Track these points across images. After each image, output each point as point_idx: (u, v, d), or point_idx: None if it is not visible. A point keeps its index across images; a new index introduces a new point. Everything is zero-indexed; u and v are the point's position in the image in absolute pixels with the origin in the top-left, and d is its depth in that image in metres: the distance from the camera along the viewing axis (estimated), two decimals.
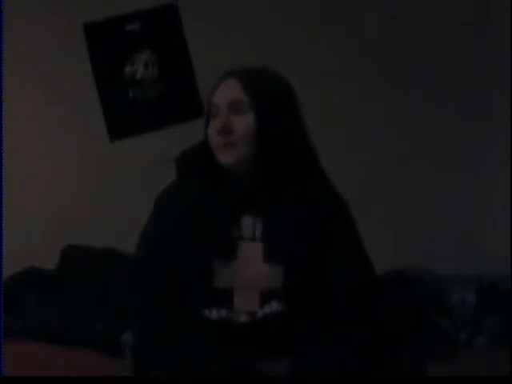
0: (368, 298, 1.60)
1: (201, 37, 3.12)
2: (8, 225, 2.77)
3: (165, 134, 3.12)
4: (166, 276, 1.63)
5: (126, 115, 3.15)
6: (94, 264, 2.84)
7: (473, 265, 2.83)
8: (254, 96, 1.62)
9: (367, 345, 1.54)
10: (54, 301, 2.71)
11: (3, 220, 2.75)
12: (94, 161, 3.12)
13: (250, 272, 1.58)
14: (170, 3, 3.13)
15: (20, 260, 2.78)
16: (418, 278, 2.79)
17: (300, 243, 1.60)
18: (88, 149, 3.12)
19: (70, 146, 3.11)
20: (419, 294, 2.71)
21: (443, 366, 2.22)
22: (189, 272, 1.61)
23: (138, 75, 3.15)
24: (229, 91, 1.64)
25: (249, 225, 1.62)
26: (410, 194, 3.09)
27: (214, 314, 1.58)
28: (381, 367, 1.54)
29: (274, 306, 1.56)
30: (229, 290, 1.58)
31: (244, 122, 1.61)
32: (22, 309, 2.66)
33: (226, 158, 1.61)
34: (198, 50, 3.13)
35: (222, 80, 1.68)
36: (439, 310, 2.67)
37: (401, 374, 1.57)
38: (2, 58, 3.00)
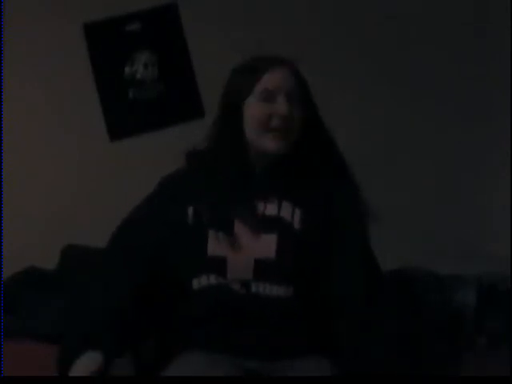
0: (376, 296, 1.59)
1: (201, 37, 3.12)
2: (8, 225, 2.77)
3: (165, 134, 3.12)
4: (149, 242, 1.67)
5: (125, 115, 3.15)
6: (94, 264, 2.84)
7: (473, 265, 2.83)
8: (304, 87, 1.70)
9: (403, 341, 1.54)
10: (53, 301, 2.71)
11: (3, 220, 2.75)
12: (94, 161, 3.12)
13: (245, 242, 1.60)
14: (170, 3, 3.13)
15: (20, 260, 2.78)
16: (418, 278, 2.78)
17: (303, 218, 1.61)
18: (88, 149, 3.12)
19: (70, 146, 3.11)
20: (419, 293, 2.71)
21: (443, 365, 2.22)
22: (181, 241, 1.63)
23: (138, 75, 3.15)
24: (286, 80, 1.67)
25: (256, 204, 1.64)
26: (409, 195, 3.09)
27: (204, 280, 1.58)
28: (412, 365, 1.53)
29: (268, 289, 1.55)
30: (222, 258, 1.59)
31: (300, 112, 1.66)
32: (21, 309, 2.66)
33: (272, 145, 1.63)
34: (198, 50, 3.13)
35: (272, 66, 1.69)
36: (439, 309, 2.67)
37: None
38: (2, 58, 3.00)
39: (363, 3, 3.17)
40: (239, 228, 1.61)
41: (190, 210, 1.66)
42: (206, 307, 1.57)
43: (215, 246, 1.60)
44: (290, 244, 1.59)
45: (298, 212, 1.62)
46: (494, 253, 2.91)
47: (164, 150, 3.10)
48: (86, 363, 1.52)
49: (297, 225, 1.61)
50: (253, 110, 1.66)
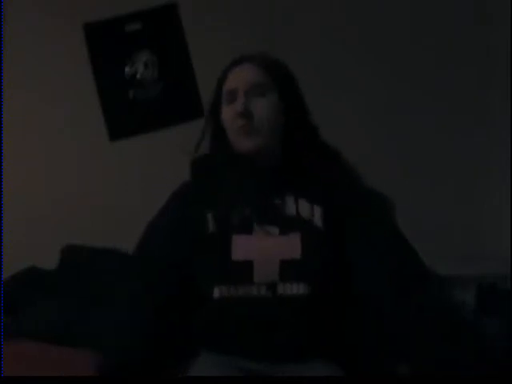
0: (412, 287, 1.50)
1: (201, 37, 3.12)
2: (8, 225, 2.77)
3: (165, 134, 3.12)
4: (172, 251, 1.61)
5: (126, 115, 3.15)
6: (94, 264, 2.84)
7: (473, 265, 2.83)
8: (276, 77, 1.62)
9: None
10: (53, 301, 2.71)
11: (3, 220, 2.75)
12: (94, 161, 3.12)
13: (269, 243, 1.55)
14: (170, 3, 3.13)
15: (20, 260, 2.78)
16: None
17: (322, 215, 1.57)
18: (88, 149, 3.12)
19: (70, 146, 3.11)
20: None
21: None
22: (203, 249, 1.57)
23: (138, 75, 3.15)
24: (247, 75, 1.62)
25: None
26: (409, 195, 3.09)
27: (225, 291, 1.52)
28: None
29: (295, 288, 1.51)
30: (248, 262, 1.54)
31: (265, 104, 1.60)
32: (21, 309, 2.66)
33: (246, 144, 1.59)
34: (198, 50, 3.13)
35: (234, 65, 1.66)
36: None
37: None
38: (2, 58, 3.00)
39: (364, 2, 3.17)
40: (261, 230, 1.57)
41: (210, 217, 1.61)
42: (233, 319, 1.52)
43: (240, 250, 1.54)
44: (314, 242, 1.54)
45: (316, 208, 1.58)
46: (493, 253, 2.91)
47: (164, 150, 3.11)
48: None
49: (317, 222, 1.56)
50: (223, 114, 1.64)
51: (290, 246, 1.54)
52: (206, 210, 1.62)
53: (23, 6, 3.05)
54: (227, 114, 1.62)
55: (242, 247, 1.55)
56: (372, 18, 3.16)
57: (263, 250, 1.54)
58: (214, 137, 1.69)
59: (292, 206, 1.59)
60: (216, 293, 1.54)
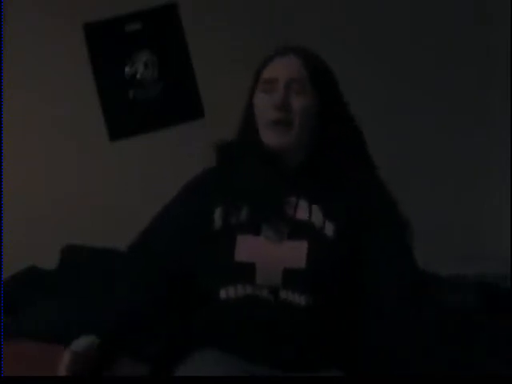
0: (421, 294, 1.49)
1: (201, 37, 3.12)
2: (8, 225, 2.77)
3: (165, 134, 3.12)
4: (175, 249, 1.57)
5: (126, 115, 3.15)
6: (94, 264, 2.84)
7: (473, 265, 2.83)
8: (317, 76, 1.56)
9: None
10: (53, 301, 2.71)
11: (3, 220, 2.75)
12: (94, 161, 3.12)
13: (274, 248, 1.49)
14: (170, 3, 3.13)
15: (20, 260, 2.78)
16: None
17: (335, 225, 1.50)
18: (88, 149, 3.12)
19: (70, 146, 3.11)
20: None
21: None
22: (207, 246, 1.53)
23: (138, 75, 3.15)
24: (290, 67, 1.56)
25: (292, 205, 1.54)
26: (409, 195, 3.09)
27: (231, 291, 1.49)
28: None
29: (297, 298, 1.46)
30: (251, 264, 1.49)
31: (303, 102, 1.53)
32: (21, 309, 2.66)
33: (278, 139, 1.53)
34: (198, 50, 3.13)
35: (279, 55, 1.60)
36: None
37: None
38: (2, 58, 3.00)
39: (364, 2, 3.17)
40: (268, 232, 1.50)
41: (218, 212, 1.55)
42: (234, 320, 1.48)
43: (243, 251, 1.50)
44: (321, 253, 1.47)
45: (329, 217, 1.51)
46: (494, 253, 2.91)
47: (164, 150, 3.12)
48: (81, 342, 1.49)
49: (328, 232, 1.50)
50: (256, 101, 1.57)
51: (295, 255, 1.48)
52: (215, 205, 1.56)
53: (23, 5, 3.05)
54: (262, 102, 1.55)
55: (246, 248, 1.50)
56: (372, 18, 3.16)
57: (267, 254, 1.49)
58: (245, 123, 1.62)
59: (305, 210, 1.52)
60: (222, 293, 1.50)
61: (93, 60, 3.11)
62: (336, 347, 1.49)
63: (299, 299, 1.46)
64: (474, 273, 2.79)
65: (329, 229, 1.50)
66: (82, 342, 1.50)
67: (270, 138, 1.53)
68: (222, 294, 1.50)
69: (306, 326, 1.46)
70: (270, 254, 1.49)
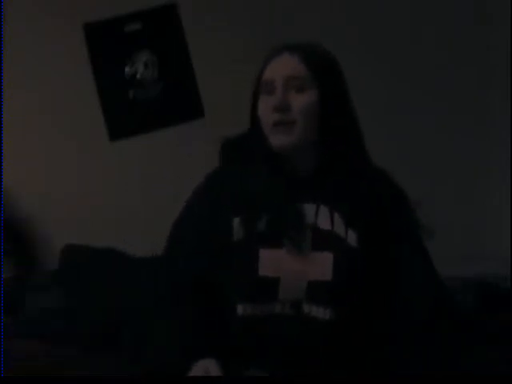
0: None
1: (201, 37, 3.12)
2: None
3: (165, 134, 3.12)
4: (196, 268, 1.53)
5: (125, 115, 3.15)
6: (94, 264, 2.84)
7: (473, 265, 2.82)
8: (317, 71, 1.51)
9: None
10: (54, 301, 2.71)
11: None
12: (93, 161, 3.12)
13: (298, 261, 1.46)
14: (170, 3, 3.13)
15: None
16: None
17: (357, 234, 1.47)
18: (88, 149, 3.12)
19: (70, 146, 3.11)
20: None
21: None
22: (232, 259, 1.49)
23: (138, 75, 3.15)
24: (286, 66, 1.52)
25: (308, 212, 1.50)
26: (409, 195, 3.09)
27: (249, 309, 1.45)
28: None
29: (321, 312, 1.43)
30: (275, 279, 1.45)
31: (304, 100, 1.49)
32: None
33: (280, 140, 1.48)
34: (198, 50, 3.13)
35: (275, 55, 1.55)
36: None
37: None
38: (2, 58, 3.00)
39: (364, 2, 3.17)
40: (291, 245, 1.46)
41: (236, 223, 1.50)
42: (251, 339, 1.45)
43: (267, 265, 1.45)
44: (347, 265, 1.44)
45: (351, 226, 1.48)
46: (494, 253, 2.91)
47: (164, 150, 3.11)
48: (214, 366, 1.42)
49: (352, 241, 1.47)
50: (259, 105, 1.53)
51: (321, 267, 1.44)
52: (233, 213, 1.51)
53: (23, 5, 3.05)
54: (263, 104, 1.52)
55: (270, 262, 1.46)
56: (372, 18, 3.16)
57: (292, 267, 1.45)
58: (251, 128, 1.58)
59: (327, 219, 1.49)
60: (240, 309, 1.47)
61: (93, 60, 3.11)
62: (359, 360, 1.47)
63: (324, 313, 1.43)
64: (473, 273, 2.79)
65: (351, 238, 1.47)
66: (214, 366, 1.44)
67: (274, 140, 1.50)
68: (241, 309, 1.46)
69: (330, 340, 1.44)
70: (294, 268, 1.45)
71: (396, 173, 3.24)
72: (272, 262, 1.46)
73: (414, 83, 3.16)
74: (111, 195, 3.07)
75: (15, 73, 3.04)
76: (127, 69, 3.15)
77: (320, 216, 1.49)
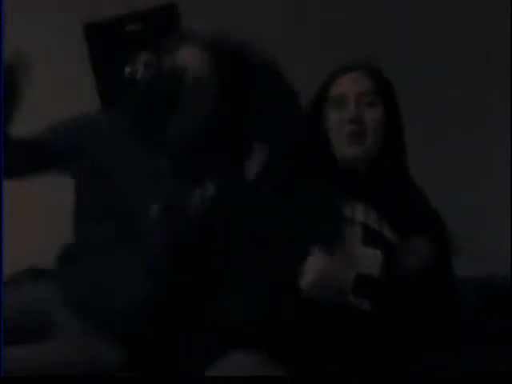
0: None
1: None
2: (8, 225, 2.77)
3: None
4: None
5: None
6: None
7: (473, 265, 2.82)
8: (383, 88, 1.67)
9: None
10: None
11: (3, 220, 2.75)
12: None
13: (349, 255, 1.53)
14: (170, 3, 3.13)
15: (20, 260, 2.78)
16: None
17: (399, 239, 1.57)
18: None
19: None
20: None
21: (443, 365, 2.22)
22: (284, 256, 1.54)
23: (138, 75, 3.15)
24: (358, 83, 1.65)
25: (359, 211, 1.58)
26: None
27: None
28: None
29: (366, 304, 1.47)
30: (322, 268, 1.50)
31: (375, 114, 1.63)
32: None
33: (354, 150, 1.60)
34: None
35: (343, 72, 1.67)
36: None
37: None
38: (2, 58, 3.00)
39: (364, 2, 3.18)
40: (345, 247, 1.54)
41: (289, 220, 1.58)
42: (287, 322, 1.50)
43: (316, 258, 1.51)
44: (394, 263, 1.53)
45: (395, 229, 1.59)
46: (494, 253, 2.91)
47: None
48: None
49: (396, 242, 1.58)
50: (329, 117, 1.64)
51: (370, 261, 1.52)
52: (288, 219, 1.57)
53: (23, 5, 3.05)
54: (335, 117, 1.62)
55: (319, 256, 1.51)
56: (372, 18, 3.16)
57: (340, 260, 1.52)
58: (314, 141, 1.66)
59: (374, 220, 1.58)
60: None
61: (93, 60, 3.11)
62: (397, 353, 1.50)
63: (367, 305, 1.47)
64: (473, 273, 2.79)
65: (395, 240, 1.57)
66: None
67: (347, 150, 1.60)
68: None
69: (371, 332, 1.48)
70: (343, 260, 1.51)
71: None
72: (321, 255, 1.51)
73: (414, 83, 3.16)
74: None
75: None
76: (127, 69, 3.15)
77: (370, 217, 1.59)
